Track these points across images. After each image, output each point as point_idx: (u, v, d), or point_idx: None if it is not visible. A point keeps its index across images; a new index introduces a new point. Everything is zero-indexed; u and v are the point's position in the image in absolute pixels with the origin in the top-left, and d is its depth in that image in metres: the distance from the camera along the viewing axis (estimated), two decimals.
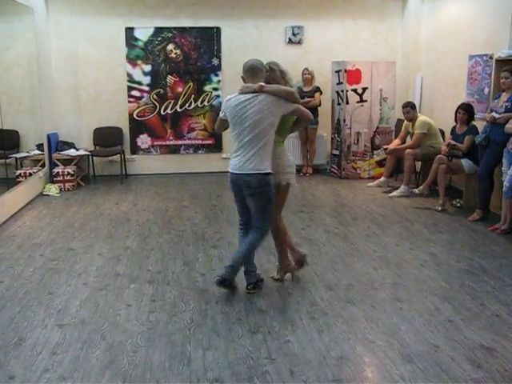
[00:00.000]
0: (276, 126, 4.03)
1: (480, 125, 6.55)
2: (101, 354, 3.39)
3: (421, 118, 7.74)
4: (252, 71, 4.08)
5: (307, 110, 4.22)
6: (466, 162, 6.76)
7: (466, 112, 6.78)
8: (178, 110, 9.14)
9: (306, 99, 8.86)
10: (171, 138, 9.23)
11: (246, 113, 3.96)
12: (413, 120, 7.74)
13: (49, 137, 8.36)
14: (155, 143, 9.21)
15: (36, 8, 8.02)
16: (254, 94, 3.96)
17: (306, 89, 8.96)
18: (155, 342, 3.54)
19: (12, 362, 3.31)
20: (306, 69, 8.94)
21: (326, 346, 3.47)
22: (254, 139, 3.97)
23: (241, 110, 3.99)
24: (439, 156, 6.95)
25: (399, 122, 8.59)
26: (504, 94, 6.09)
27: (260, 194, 4.05)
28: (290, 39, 9.20)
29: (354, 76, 8.57)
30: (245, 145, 4.01)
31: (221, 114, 4.23)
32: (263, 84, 3.97)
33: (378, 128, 8.79)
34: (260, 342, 3.53)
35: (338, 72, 8.77)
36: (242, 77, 4.14)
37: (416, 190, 7.28)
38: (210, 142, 9.30)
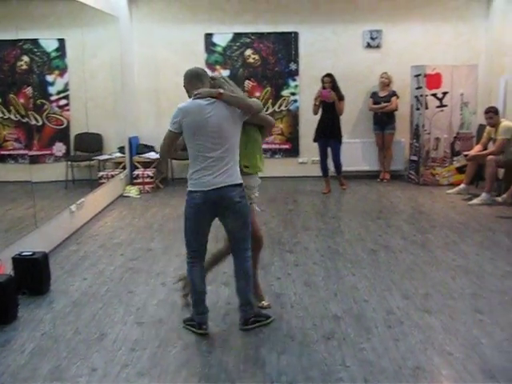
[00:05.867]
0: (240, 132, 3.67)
1: None
2: (177, 352, 3.48)
3: (504, 123, 7.44)
4: (198, 78, 3.65)
5: (268, 117, 3.97)
6: None
7: None
8: None
9: (382, 104, 8.75)
10: None
11: (211, 119, 3.49)
12: (496, 125, 7.46)
13: (130, 140, 8.66)
14: None
15: (121, 17, 8.35)
16: (213, 100, 3.52)
17: (381, 93, 8.84)
18: (230, 344, 3.59)
19: (94, 355, 3.46)
20: (386, 73, 8.82)
21: (401, 355, 3.41)
22: (225, 148, 3.54)
23: (204, 117, 3.49)
24: None
25: (481, 128, 8.30)
26: None
27: (243, 207, 3.67)
28: (368, 43, 9.10)
29: (434, 80, 8.36)
30: (214, 156, 3.53)
31: (172, 127, 3.58)
32: (221, 91, 3.54)
33: (458, 134, 8.53)
34: (335, 348, 3.51)
35: (417, 76, 8.59)
36: (184, 86, 3.68)
37: (499, 198, 7.01)
38: (286, 146, 9.31)
